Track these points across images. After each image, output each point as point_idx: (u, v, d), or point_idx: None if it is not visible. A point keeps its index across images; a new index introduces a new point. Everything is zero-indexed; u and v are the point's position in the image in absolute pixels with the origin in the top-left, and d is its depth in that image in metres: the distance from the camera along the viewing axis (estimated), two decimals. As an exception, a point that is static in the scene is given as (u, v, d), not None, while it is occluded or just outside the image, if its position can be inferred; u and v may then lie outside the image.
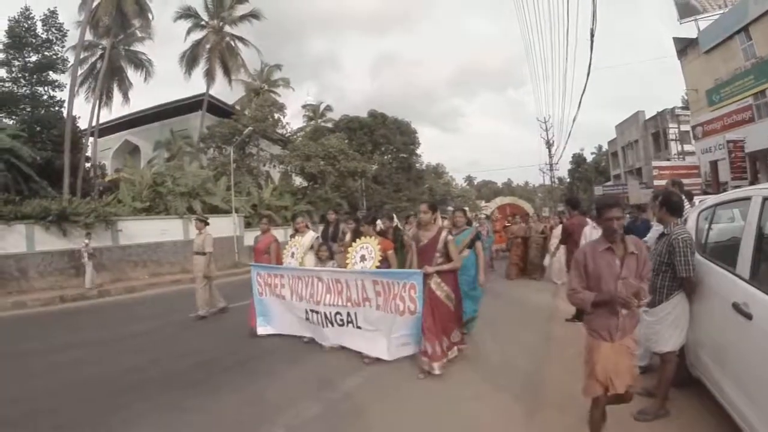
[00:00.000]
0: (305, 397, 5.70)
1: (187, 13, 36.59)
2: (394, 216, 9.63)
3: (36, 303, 14.57)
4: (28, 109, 26.76)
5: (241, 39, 38.42)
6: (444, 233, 6.57)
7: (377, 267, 7.09)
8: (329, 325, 7.48)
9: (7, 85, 26.86)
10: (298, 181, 35.99)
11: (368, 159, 41.24)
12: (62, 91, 28.28)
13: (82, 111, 66.89)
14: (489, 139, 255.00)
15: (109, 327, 10.63)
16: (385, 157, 46.71)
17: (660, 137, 40.20)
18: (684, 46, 30.04)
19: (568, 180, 71.73)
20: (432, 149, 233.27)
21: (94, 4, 28.68)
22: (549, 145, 47.26)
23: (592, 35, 16.40)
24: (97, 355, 8.13)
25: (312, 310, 7.75)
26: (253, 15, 37.75)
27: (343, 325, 7.33)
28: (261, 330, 8.65)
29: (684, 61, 30.22)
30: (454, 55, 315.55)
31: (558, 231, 12.91)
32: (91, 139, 31.80)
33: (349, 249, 7.58)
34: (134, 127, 41.79)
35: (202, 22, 37.21)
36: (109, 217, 19.52)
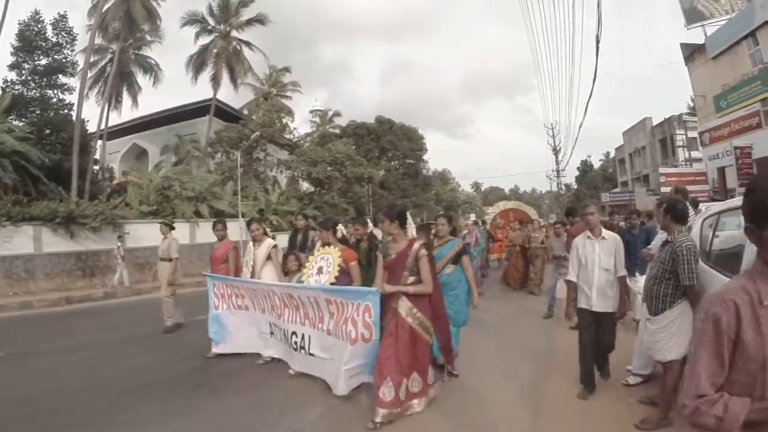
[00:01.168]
0: (308, 400, 5.70)
1: (194, 19, 36.72)
2: (368, 221, 8.29)
3: (42, 303, 14.67)
4: (38, 112, 26.94)
5: (247, 44, 38.59)
6: (416, 246, 5.14)
7: (333, 283, 5.98)
8: (287, 345, 6.55)
9: (17, 87, 27.09)
10: (305, 186, 36.07)
11: (375, 165, 41.30)
12: (72, 94, 28.50)
13: (92, 114, 67.35)
14: (497, 146, 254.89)
15: (115, 329, 10.67)
16: (392, 163, 46.78)
17: (667, 144, 40.09)
18: (691, 52, 29.95)
19: (575, 187, 71.62)
20: (440, 155, 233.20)
21: (104, 8, 28.82)
22: (556, 151, 47.18)
23: (598, 41, 16.45)
24: (102, 355, 8.17)
25: (275, 324, 6.84)
26: (259, 20, 37.81)
27: (296, 350, 6.32)
28: (214, 349, 7.70)
29: (691, 67, 30.11)
30: (464, 62, 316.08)
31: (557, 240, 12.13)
32: (99, 142, 31.89)
33: (310, 259, 6.59)
34: (142, 131, 41.99)
35: (209, 27, 37.32)
36: (116, 219, 19.62)
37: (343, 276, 6.09)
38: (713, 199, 20.12)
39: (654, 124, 42.47)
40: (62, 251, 17.89)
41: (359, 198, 37.46)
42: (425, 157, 49.90)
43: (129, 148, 43.38)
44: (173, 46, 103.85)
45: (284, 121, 36.36)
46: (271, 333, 6.98)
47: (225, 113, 39.20)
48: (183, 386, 6.38)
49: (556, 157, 46.92)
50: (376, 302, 5.27)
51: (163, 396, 6.02)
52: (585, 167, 69.96)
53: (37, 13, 27.79)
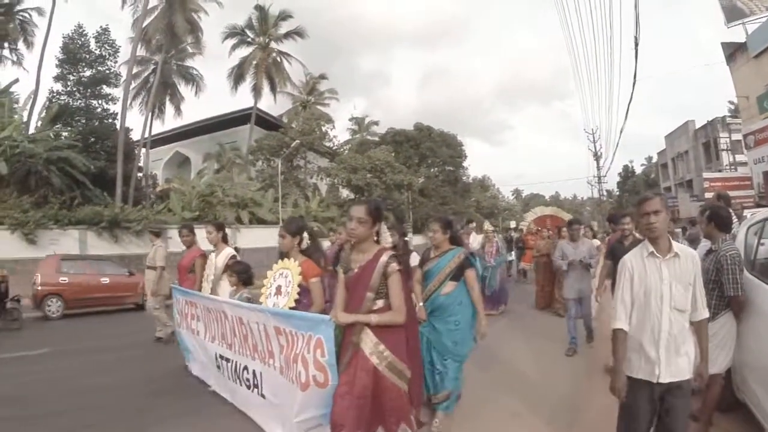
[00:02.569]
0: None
1: (234, 32, 37.27)
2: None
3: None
4: (83, 121, 27.90)
5: (286, 55, 38.92)
6: (384, 258, 3.59)
7: (293, 308, 4.42)
8: (238, 382, 5.16)
9: (63, 98, 28.19)
10: (344, 193, 36.08)
11: (414, 172, 41.16)
12: (115, 104, 29.57)
13: (135, 123, 68.75)
14: (536, 152, 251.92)
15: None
16: (432, 169, 46.51)
17: (711, 147, 38.77)
18: (732, 51, 28.87)
19: (617, 193, 70.36)
20: (479, 162, 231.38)
21: (146, 22, 29.37)
22: (597, 157, 46.15)
23: (636, 43, 16.03)
24: (138, 356, 8.10)
25: (222, 356, 5.49)
26: (297, 33, 38.21)
27: (249, 388, 4.93)
28: (189, 366, 6.62)
29: (733, 67, 29.02)
30: (501, 67, 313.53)
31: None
32: (143, 150, 32.56)
33: (268, 275, 4.90)
34: (185, 139, 42.61)
35: (249, 39, 37.81)
36: (158, 224, 19.85)
37: (306, 297, 4.50)
38: (759, 205, 19.41)
39: (697, 127, 41.12)
40: (106, 254, 18.10)
41: (399, 205, 37.34)
42: (465, 164, 49.62)
43: (172, 156, 44.08)
44: (215, 56, 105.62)
45: (324, 129, 36.48)
46: (218, 367, 5.56)
47: (265, 121, 39.54)
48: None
49: (597, 163, 45.73)
50: (329, 335, 3.75)
51: (191, 398, 5.84)
52: (626, 173, 68.76)
53: (80, 27, 29.04)
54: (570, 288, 8.07)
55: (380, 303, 3.61)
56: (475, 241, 12.10)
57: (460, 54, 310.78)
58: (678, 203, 33.60)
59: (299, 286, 4.46)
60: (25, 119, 24.31)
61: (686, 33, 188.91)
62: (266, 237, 22.85)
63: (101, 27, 29.59)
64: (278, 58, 38.47)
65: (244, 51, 38.00)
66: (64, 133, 25.06)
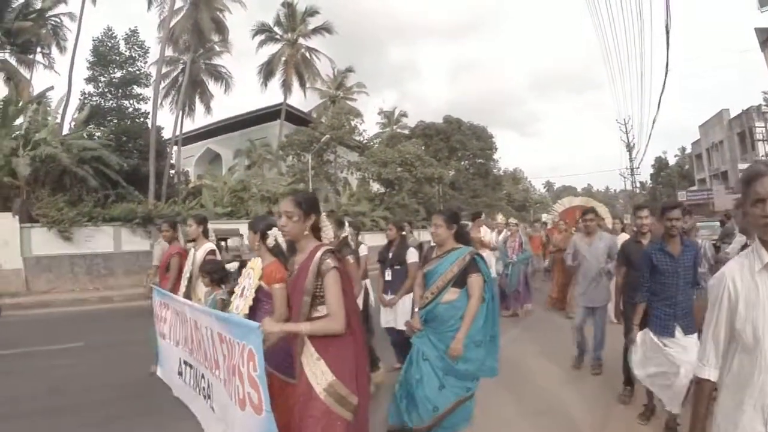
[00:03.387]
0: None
1: (262, 29, 37.47)
2: (345, 221, 6.72)
3: (121, 298, 15.08)
4: (115, 121, 28.37)
5: (315, 51, 39.07)
6: (319, 254, 3.06)
7: (247, 314, 3.79)
8: (197, 390, 4.50)
9: (94, 99, 28.76)
10: (375, 187, 36.01)
11: (445, 165, 40.91)
12: (146, 103, 29.91)
13: (166, 121, 69.67)
14: (568, 143, 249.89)
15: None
16: (462, 162, 46.27)
17: (746, 137, 37.58)
18: (767, 37, 28.11)
19: (650, 185, 69.09)
20: (510, 154, 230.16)
21: (173, 22, 29.68)
22: (629, 148, 45.07)
23: (668, 30, 15.64)
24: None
25: (186, 362, 4.83)
26: (325, 28, 38.28)
27: (205, 398, 4.29)
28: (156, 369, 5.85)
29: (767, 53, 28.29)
30: (532, 58, 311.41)
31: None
32: (175, 147, 32.86)
33: (243, 273, 4.35)
34: (216, 136, 43.18)
35: (277, 36, 37.98)
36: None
37: (267, 302, 3.89)
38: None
39: (732, 116, 39.88)
40: (140, 250, 18.40)
41: (429, 198, 37.16)
42: (495, 156, 49.29)
43: (203, 153, 44.69)
44: (244, 53, 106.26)
45: (353, 123, 36.48)
46: (180, 373, 4.94)
47: (295, 117, 39.77)
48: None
49: (630, 154, 44.71)
50: (258, 346, 3.05)
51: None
52: (660, 164, 67.43)
53: (109, 29, 29.53)
54: (581, 294, 6.68)
55: (322, 309, 3.04)
56: (486, 235, 11.16)
57: (491, 45, 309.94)
58: (713, 195, 32.75)
59: (262, 289, 3.88)
60: (58, 121, 24.71)
61: (719, 18, 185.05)
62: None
63: (130, 29, 29.99)
64: (307, 54, 38.57)
65: (273, 48, 38.27)
66: (97, 133, 25.52)
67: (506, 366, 5.59)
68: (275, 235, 4.11)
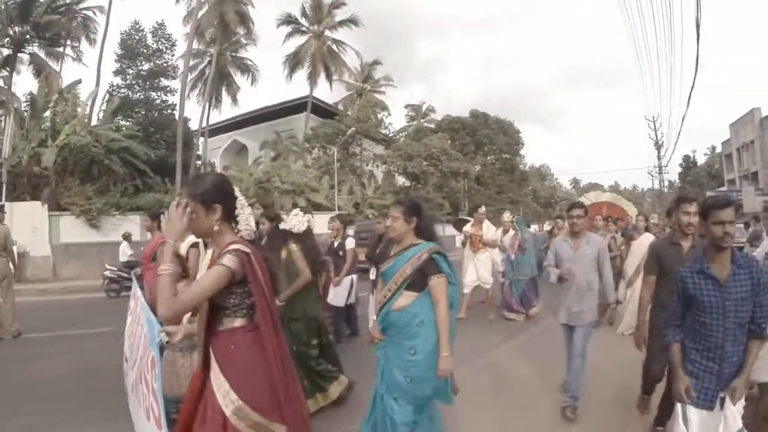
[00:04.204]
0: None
1: (288, 20, 37.52)
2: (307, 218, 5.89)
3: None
4: (143, 112, 28.81)
5: (341, 43, 39.01)
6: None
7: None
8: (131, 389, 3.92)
9: (122, 91, 29.28)
10: (400, 180, 35.89)
11: (471, 159, 40.63)
12: (174, 95, 30.42)
13: (193, 113, 70.33)
14: (596, 140, 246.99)
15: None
16: (488, 157, 45.89)
17: (778, 137, 36.74)
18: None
19: (678, 184, 67.92)
20: (537, 150, 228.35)
21: (199, 15, 29.84)
22: (658, 146, 44.05)
23: (698, 24, 15.27)
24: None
25: (126, 358, 4.46)
26: (352, 20, 38.18)
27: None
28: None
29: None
30: (561, 53, 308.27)
31: (639, 247, 8.36)
32: (201, 138, 33.13)
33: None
34: (242, 128, 43.38)
35: (303, 28, 38.01)
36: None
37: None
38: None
39: (763, 115, 38.78)
40: (167, 239, 18.50)
41: (455, 193, 37.00)
42: (522, 152, 48.84)
43: (229, 144, 44.82)
44: (270, 46, 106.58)
45: (379, 116, 36.38)
46: (126, 359, 4.47)
47: (321, 109, 39.78)
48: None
49: (658, 152, 43.72)
50: (155, 350, 2.91)
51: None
52: (688, 163, 66.23)
53: (137, 23, 30.10)
54: (561, 308, 5.17)
55: (235, 322, 2.49)
56: (488, 232, 10.24)
57: (520, 39, 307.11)
58: (742, 197, 31.91)
59: None
60: (87, 112, 25.05)
61: (751, 13, 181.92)
62: (322, 223, 22.89)
63: (157, 22, 30.45)
64: (333, 47, 38.56)
65: (299, 40, 38.30)
66: (126, 124, 25.82)
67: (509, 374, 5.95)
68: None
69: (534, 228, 24.62)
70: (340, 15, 38.38)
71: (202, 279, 2.36)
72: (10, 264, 8.74)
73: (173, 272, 2.27)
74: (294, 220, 5.19)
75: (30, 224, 16.55)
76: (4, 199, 16.51)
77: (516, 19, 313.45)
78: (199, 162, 31.33)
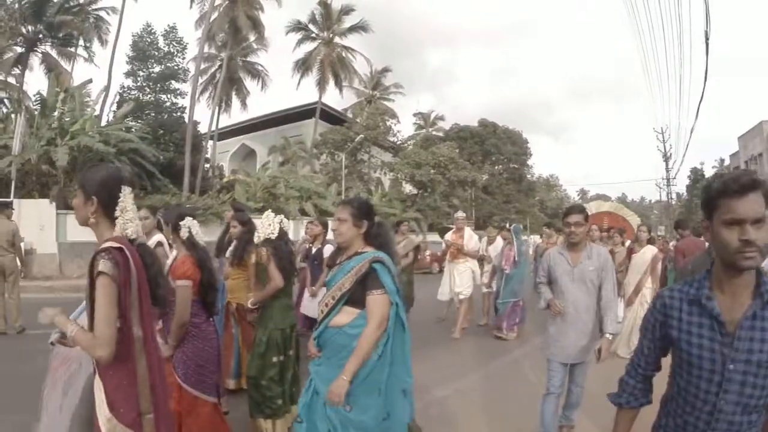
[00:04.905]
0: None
1: (298, 26, 37.57)
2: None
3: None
4: (153, 115, 29.00)
5: (351, 50, 39.07)
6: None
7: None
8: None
9: (133, 93, 29.53)
10: (408, 188, 35.84)
11: (478, 168, 40.50)
12: (184, 98, 30.71)
13: (203, 116, 70.52)
14: (603, 151, 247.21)
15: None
16: (496, 167, 45.84)
17: (787, 150, 36.43)
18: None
19: (686, 196, 67.55)
20: (545, 160, 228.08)
21: (211, 19, 29.97)
22: (666, 157, 43.77)
23: (707, 37, 15.24)
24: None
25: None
26: (362, 27, 38.27)
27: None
28: None
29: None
30: (570, 65, 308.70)
31: (640, 261, 7.89)
32: (210, 142, 33.22)
33: None
34: (251, 132, 43.55)
35: (312, 35, 38.10)
36: (222, 213, 20.15)
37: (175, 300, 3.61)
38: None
39: None
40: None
41: (462, 202, 36.89)
42: (530, 162, 48.75)
43: (238, 149, 44.93)
44: (280, 51, 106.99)
45: (388, 123, 36.40)
46: None
47: (330, 116, 39.81)
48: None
49: (666, 164, 43.52)
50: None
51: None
52: (696, 175, 65.81)
53: (148, 25, 30.49)
54: (553, 341, 4.29)
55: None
56: (471, 240, 9.40)
57: (529, 51, 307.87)
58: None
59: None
60: (97, 112, 25.19)
61: (760, 24, 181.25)
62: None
63: (169, 25, 30.80)
64: (343, 53, 38.61)
65: (309, 46, 38.37)
66: (135, 125, 25.94)
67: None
68: (189, 226, 3.85)
69: (533, 239, 24.20)
70: (349, 22, 38.54)
71: (98, 305, 2.14)
72: (17, 260, 8.77)
73: (79, 328, 2.17)
74: (264, 224, 4.71)
75: (38, 222, 16.53)
76: (12, 196, 16.52)
77: (526, 30, 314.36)
78: (207, 165, 31.45)
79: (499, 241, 9.98)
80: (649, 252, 7.90)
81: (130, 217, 2.40)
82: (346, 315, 3.01)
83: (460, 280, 9.29)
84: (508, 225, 10.14)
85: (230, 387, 5.51)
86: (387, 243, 3.25)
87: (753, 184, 1.62)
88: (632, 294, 7.74)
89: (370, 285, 2.96)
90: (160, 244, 5.13)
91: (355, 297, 3.00)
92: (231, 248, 5.91)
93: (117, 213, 2.37)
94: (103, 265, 2.15)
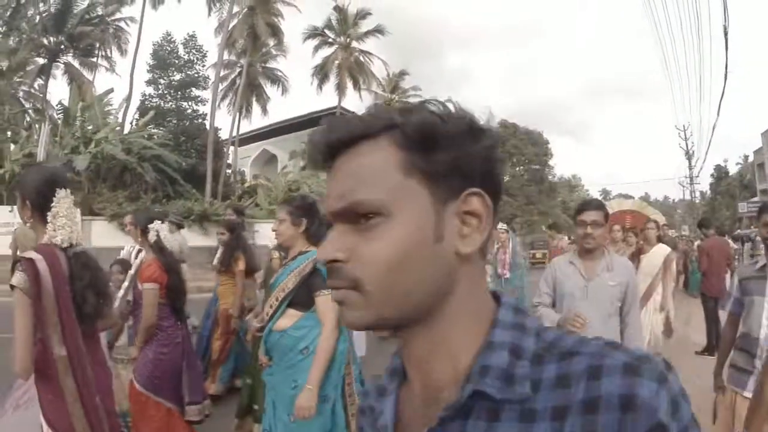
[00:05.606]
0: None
1: (314, 33, 37.56)
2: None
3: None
4: (174, 122, 29.44)
5: (368, 53, 39.06)
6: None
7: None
8: None
9: (154, 100, 30.01)
10: (428, 190, 35.77)
11: (499, 170, 40.24)
12: (204, 105, 31.18)
13: (224, 122, 71.05)
14: (625, 151, 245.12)
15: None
16: (517, 168, 45.54)
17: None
18: None
19: (710, 195, 66.59)
20: (566, 161, 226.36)
21: (230, 26, 30.19)
22: (689, 155, 43.02)
23: (726, 32, 15.01)
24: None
25: None
26: (378, 30, 38.16)
27: None
28: None
29: None
30: (590, 64, 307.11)
31: (650, 263, 6.23)
32: (232, 148, 33.33)
33: None
34: (272, 138, 43.52)
35: (329, 40, 38.14)
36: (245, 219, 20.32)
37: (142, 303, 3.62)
38: None
39: None
40: (196, 246, 18.52)
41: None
42: (551, 162, 48.37)
43: (259, 154, 44.99)
44: (301, 56, 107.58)
45: (408, 127, 36.36)
46: None
47: (350, 119, 39.58)
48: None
49: (689, 162, 42.89)
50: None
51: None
52: (719, 173, 64.86)
53: (168, 34, 31.01)
54: None
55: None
56: None
57: (548, 51, 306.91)
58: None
59: (137, 288, 3.78)
60: (120, 120, 25.61)
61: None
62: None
63: (188, 34, 31.23)
64: (360, 57, 38.65)
65: (327, 51, 38.34)
66: (157, 132, 26.34)
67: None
68: (157, 230, 3.76)
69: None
70: (365, 26, 38.42)
71: (14, 320, 2.06)
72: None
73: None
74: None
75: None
76: (37, 203, 16.76)
77: (545, 30, 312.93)
78: (229, 170, 31.69)
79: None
80: (660, 252, 6.32)
81: (62, 223, 2.28)
82: (289, 318, 2.89)
83: None
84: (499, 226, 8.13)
85: (213, 392, 5.28)
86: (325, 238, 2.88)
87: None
88: (642, 298, 5.73)
89: (317, 286, 2.82)
90: (139, 250, 4.92)
91: (299, 299, 2.89)
92: (218, 255, 5.88)
93: (49, 218, 2.26)
94: (15, 278, 2.07)
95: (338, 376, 2.89)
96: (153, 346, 3.56)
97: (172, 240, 8.07)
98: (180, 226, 8.72)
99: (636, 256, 6.34)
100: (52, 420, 2.12)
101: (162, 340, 3.62)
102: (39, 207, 2.25)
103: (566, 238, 8.14)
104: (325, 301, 2.76)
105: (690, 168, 42.79)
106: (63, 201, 2.28)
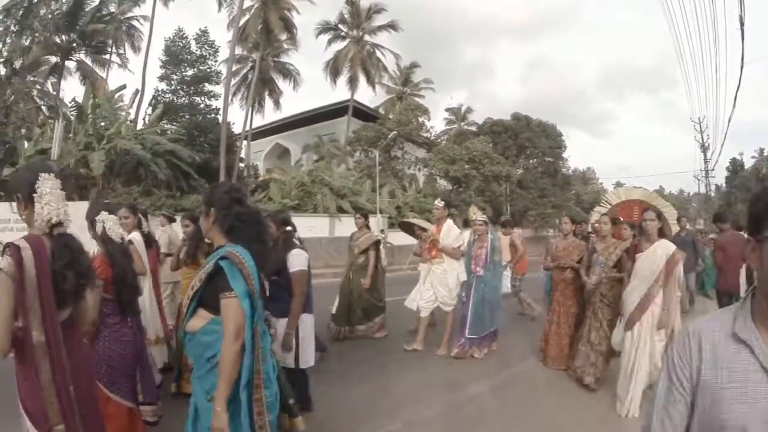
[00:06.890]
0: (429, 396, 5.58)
1: (327, 27, 37.62)
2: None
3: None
4: (187, 117, 29.51)
5: (380, 47, 39.07)
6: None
7: None
8: None
9: (167, 96, 30.06)
10: (442, 184, 35.62)
11: (513, 163, 39.96)
12: (217, 100, 31.15)
13: (237, 117, 71.69)
14: (640, 143, 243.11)
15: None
16: (530, 161, 45.14)
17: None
18: None
19: (725, 188, 65.82)
20: (580, 153, 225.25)
21: (242, 21, 30.22)
22: (704, 148, 42.45)
23: (742, 23, 14.80)
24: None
25: None
26: (391, 25, 38.21)
27: None
28: None
29: None
30: (604, 57, 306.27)
31: (649, 261, 5.24)
32: (245, 142, 33.39)
33: None
34: (285, 132, 43.72)
35: (342, 34, 38.16)
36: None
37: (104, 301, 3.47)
38: None
39: None
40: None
41: (497, 197, 36.46)
42: (565, 155, 47.96)
43: (272, 148, 45.10)
44: (312, 50, 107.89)
45: (420, 119, 36.21)
46: None
47: (362, 113, 39.69)
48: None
49: (705, 155, 42.33)
50: None
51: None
52: (735, 167, 64.08)
53: (180, 30, 31.08)
54: None
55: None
56: (449, 234, 7.46)
57: (563, 44, 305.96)
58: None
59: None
60: (133, 116, 25.93)
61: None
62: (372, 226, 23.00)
63: (200, 29, 31.40)
64: (373, 51, 38.60)
65: (339, 45, 38.49)
66: (171, 127, 26.60)
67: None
68: (103, 221, 3.60)
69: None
70: (379, 20, 38.48)
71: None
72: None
73: None
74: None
75: (78, 223, 16.73)
76: (53, 199, 16.80)
77: (559, 22, 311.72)
78: (242, 165, 31.87)
79: (507, 240, 9.14)
80: (661, 250, 5.21)
81: (47, 200, 2.39)
82: (199, 319, 2.60)
83: (442, 288, 7.35)
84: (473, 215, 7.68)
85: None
86: (253, 237, 2.72)
87: None
88: (636, 310, 5.19)
89: (221, 287, 2.49)
90: (130, 242, 4.88)
91: (206, 299, 2.60)
92: (184, 247, 5.81)
93: (36, 199, 2.37)
94: (1, 261, 2.18)
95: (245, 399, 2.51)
96: (101, 344, 3.46)
97: (161, 233, 8.04)
98: (172, 220, 8.75)
99: (632, 255, 5.58)
100: (29, 408, 2.24)
101: (109, 337, 3.51)
102: (29, 197, 2.39)
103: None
104: (225, 304, 2.46)
105: (705, 161, 42.33)
106: (46, 181, 2.41)
